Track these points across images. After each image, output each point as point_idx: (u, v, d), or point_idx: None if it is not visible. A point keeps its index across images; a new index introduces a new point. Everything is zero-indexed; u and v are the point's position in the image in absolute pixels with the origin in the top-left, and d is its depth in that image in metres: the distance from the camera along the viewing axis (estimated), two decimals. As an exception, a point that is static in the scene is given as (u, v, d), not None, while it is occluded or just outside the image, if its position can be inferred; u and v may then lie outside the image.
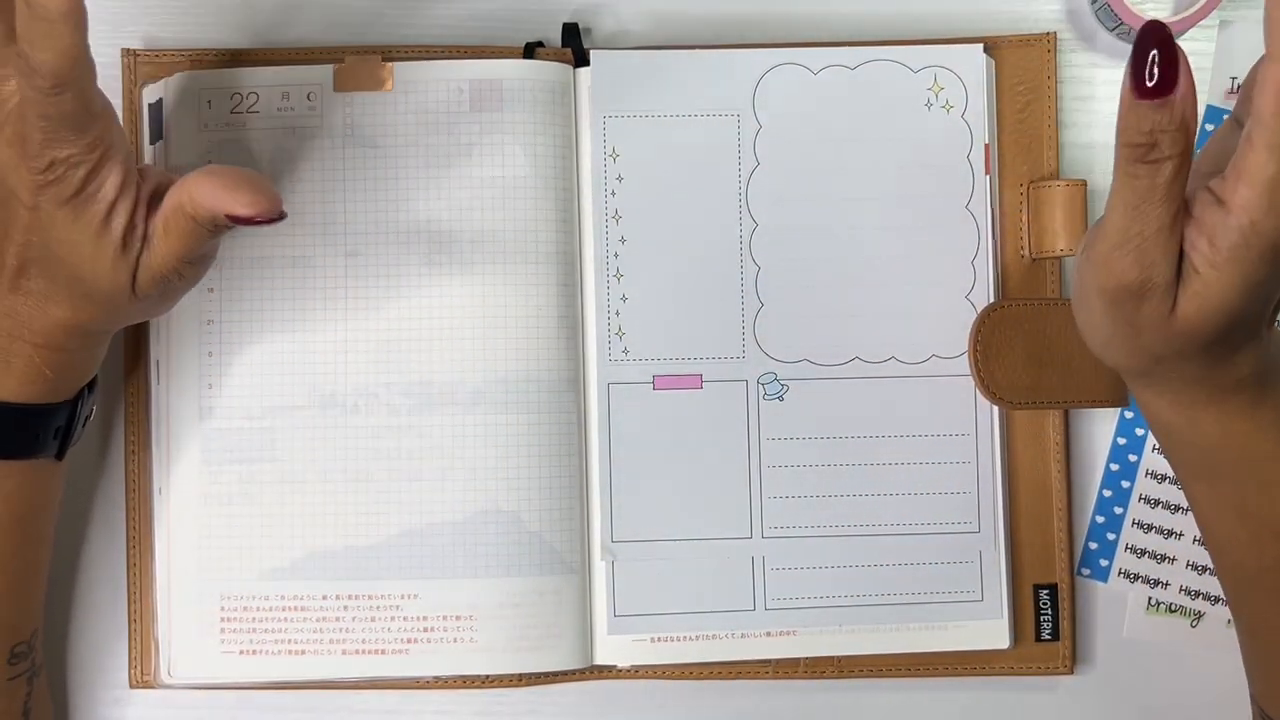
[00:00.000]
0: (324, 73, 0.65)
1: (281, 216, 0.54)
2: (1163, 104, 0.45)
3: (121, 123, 0.65)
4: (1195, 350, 0.50)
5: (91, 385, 0.60)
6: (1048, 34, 0.67)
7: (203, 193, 0.53)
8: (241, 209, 0.53)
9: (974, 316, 0.66)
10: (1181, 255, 0.48)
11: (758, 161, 0.66)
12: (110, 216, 0.53)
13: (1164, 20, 0.56)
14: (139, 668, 0.65)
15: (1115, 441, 0.67)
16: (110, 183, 0.53)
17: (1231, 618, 0.59)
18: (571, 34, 0.67)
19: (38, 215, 0.53)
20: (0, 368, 0.56)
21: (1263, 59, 0.45)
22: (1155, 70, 0.45)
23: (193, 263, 0.56)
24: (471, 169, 0.65)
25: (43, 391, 0.57)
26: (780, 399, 0.66)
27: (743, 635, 0.65)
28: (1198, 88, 0.46)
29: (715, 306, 0.66)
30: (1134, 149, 0.46)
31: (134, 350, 0.66)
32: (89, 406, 0.61)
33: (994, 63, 0.67)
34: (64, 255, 0.54)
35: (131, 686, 0.65)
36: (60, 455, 0.60)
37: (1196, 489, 0.57)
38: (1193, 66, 0.46)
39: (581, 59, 0.66)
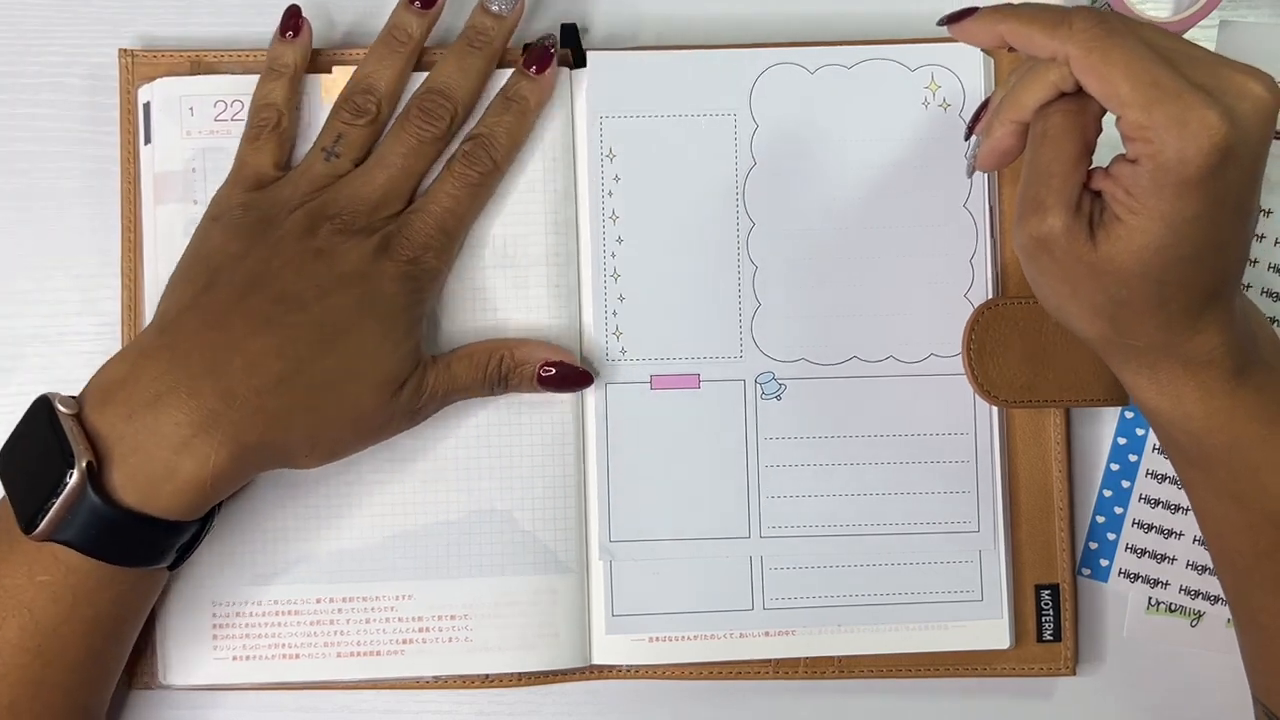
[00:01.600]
0: (311, 82, 0.65)
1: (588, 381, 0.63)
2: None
3: (118, 124, 0.66)
4: (1139, 299, 0.52)
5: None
6: (1046, 32, 0.67)
7: (526, 350, 0.62)
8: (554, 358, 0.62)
9: (972, 315, 0.66)
10: (1104, 209, 0.52)
11: (755, 161, 0.66)
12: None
13: (1164, 20, 0.58)
14: (138, 668, 0.65)
15: (1115, 441, 0.67)
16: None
17: (1230, 613, 0.59)
18: (570, 34, 0.67)
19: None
20: (165, 471, 0.55)
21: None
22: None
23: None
24: (465, 171, 0.65)
25: (189, 506, 0.56)
26: (778, 398, 0.66)
27: (741, 635, 0.65)
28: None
29: (713, 306, 0.66)
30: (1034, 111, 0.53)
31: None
32: (215, 519, 0.60)
33: (991, 61, 0.67)
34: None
35: (131, 687, 0.65)
36: (175, 565, 0.59)
37: (1191, 476, 0.57)
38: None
39: (579, 59, 0.66)
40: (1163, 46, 0.50)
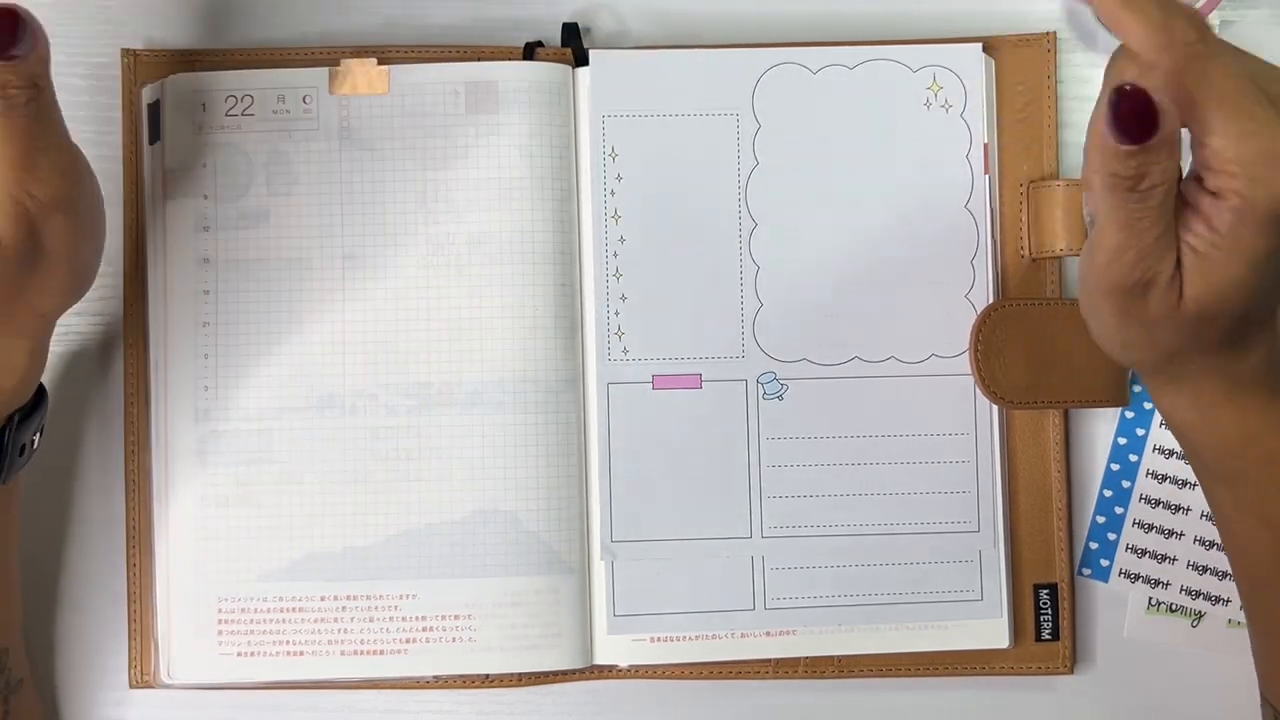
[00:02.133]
0: (319, 75, 0.65)
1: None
2: (1147, 148, 0.46)
3: (120, 124, 0.66)
4: (1211, 334, 0.50)
5: (30, 411, 0.58)
6: (1047, 34, 0.67)
7: None
8: None
9: (974, 316, 0.66)
10: (1179, 247, 0.48)
11: (757, 161, 0.66)
12: None
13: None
14: (139, 668, 0.65)
15: (1116, 441, 0.67)
16: None
17: (1244, 614, 0.59)
18: (571, 34, 0.67)
19: None
20: None
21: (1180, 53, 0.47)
22: (1144, 124, 0.46)
23: (31, 173, 0.52)
24: (468, 170, 0.65)
25: None
26: (780, 398, 0.66)
27: (742, 635, 0.65)
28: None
29: (714, 306, 0.66)
30: (1122, 180, 0.47)
31: (134, 352, 0.66)
32: (26, 434, 0.59)
33: (993, 62, 0.67)
34: None
35: (131, 686, 0.65)
36: (6, 478, 0.58)
37: (1218, 492, 0.57)
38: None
39: (582, 59, 0.66)
40: (1255, 72, 0.47)
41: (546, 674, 0.65)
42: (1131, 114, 0.46)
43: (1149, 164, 0.46)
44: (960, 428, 0.66)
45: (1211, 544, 0.66)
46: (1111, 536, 0.67)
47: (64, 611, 0.67)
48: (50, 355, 0.61)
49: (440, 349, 0.65)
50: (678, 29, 0.69)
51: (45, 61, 0.52)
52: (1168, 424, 0.56)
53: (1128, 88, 0.46)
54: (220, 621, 0.64)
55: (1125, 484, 0.67)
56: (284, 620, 0.64)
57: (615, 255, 0.66)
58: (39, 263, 0.54)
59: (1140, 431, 0.67)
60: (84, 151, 0.56)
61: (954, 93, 0.66)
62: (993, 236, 0.66)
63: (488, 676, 0.65)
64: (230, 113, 0.65)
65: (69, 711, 0.66)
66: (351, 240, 0.65)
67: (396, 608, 0.64)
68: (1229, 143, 0.46)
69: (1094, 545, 0.67)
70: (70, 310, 0.66)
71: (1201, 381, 0.53)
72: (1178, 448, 0.67)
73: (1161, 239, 0.48)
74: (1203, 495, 0.57)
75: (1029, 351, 0.65)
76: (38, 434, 0.60)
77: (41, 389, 0.60)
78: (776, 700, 0.67)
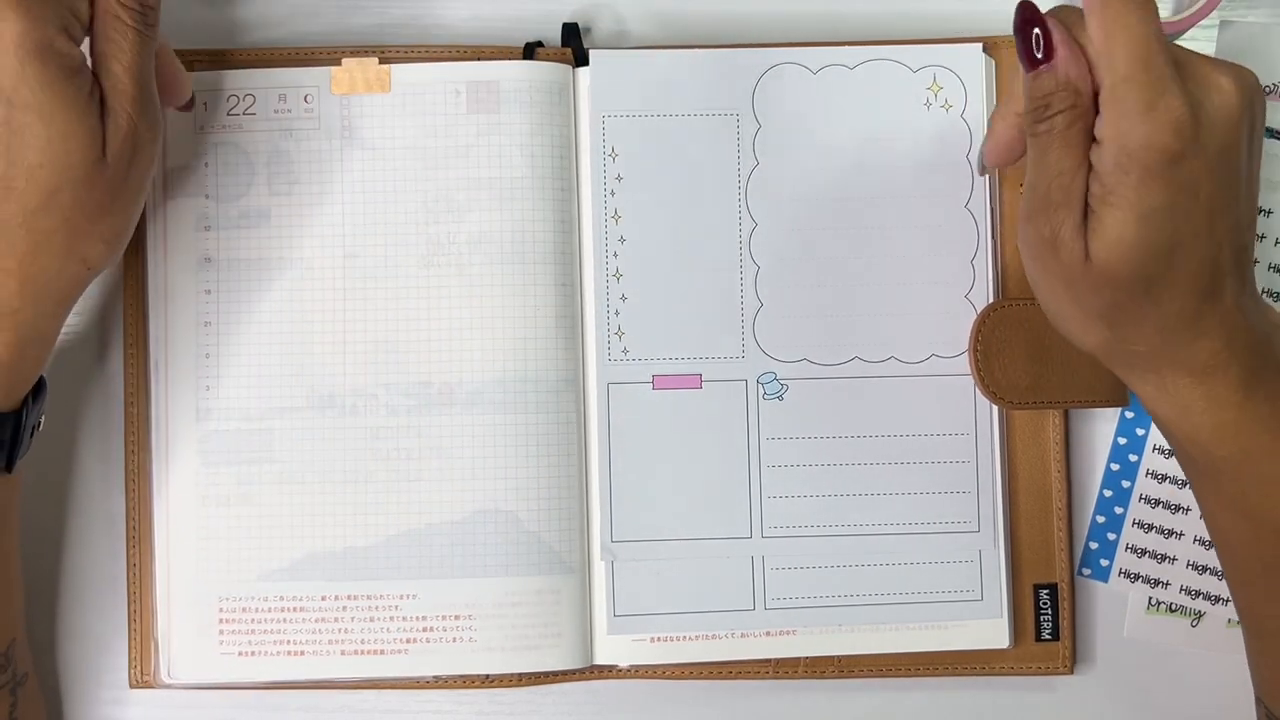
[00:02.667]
0: (321, 75, 0.65)
1: None
2: (1049, 69, 0.51)
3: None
4: (1133, 301, 0.52)
5: (36, 394, 0.59)
6: (1047, 33, 0.67)
7: None
8: None
9: (974, 316, 0.66)
10: (1086, 204, 0.52)
11: (757, 161, 0.66)
12: (78, 68, 0.53)
13: (1164, 20, 0.59)
14: (139, 668, 0.65)
15: (1116, 441, 0.67)
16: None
17: (1237, 616, 0.59)
18: (571, 34, 0.67)
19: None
20: None
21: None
22: (1039, 43, 0.51)
23: (142, 104, 0.55)
24: (469, 170, 0.65)
25: None
26: (780, 398, 0.66)
27: (743, 635, 0.65)
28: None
29: (715, 306, 0.66)
30: (1033, 113, 0.52)
31: (134, 351, 0.66)
32: (36, 416, 0.59)
33: (994, 62, 0.67)
34: (28, 134, 0.52)
35: (131, 686, 0.65)
36: (9, 468, 0.59)
37: (1200, 486, 0.57)
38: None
39: (582, 59, 0.66)
40: (1162, 44, 0.50)
41: (546, 674, 0.65)
42: (1029, 35, 0.52)
43: (1049, 93, 0.51)
44: (960, 428, 0.66)
45: (1211, 544, 0.66)
46: (1111, 536, 0.67)
47: (64, 611, 0.67)
48: (51, 355, 0.61)
49: (440, 349, 0.65)
50: (678, 29, 0.69)
51: None
52: (1152, 418, 0.57)
53: (1022, 3, 0.52)
54: (221, 621, 0.64)
55: (1125, 484, 0.67)
56: (285, 620, 0.64)
57: (615, 255, 0.66)
58: (118, 191, 0.55)
59: (1140, 431, 0.67)
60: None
61: (954, 93, 0.66)
62: (993, 236, 0.67)
63: (488, 677, 0.65)
64: (232, 112, 0.65)
65: (69, 711, 0.66)
66: (352, 240, 0.65)
67: (397, 608, 0.64)
68: (1119, 84, 0.49)
69: (1094, 545, 0.67)
70: (71, 312, 0.66)
71: (1165, 371, 0.54)
72: (1173, 451, 0.67)
73: (1064, 177, 0.51)
74: (1199, 494, 0.58)
75: (1029, 351, 0.65)
76: (42, 417, 0.61)
77: (40, 375, 0.60)
78: (776, 700, 0.67)
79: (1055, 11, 0.52)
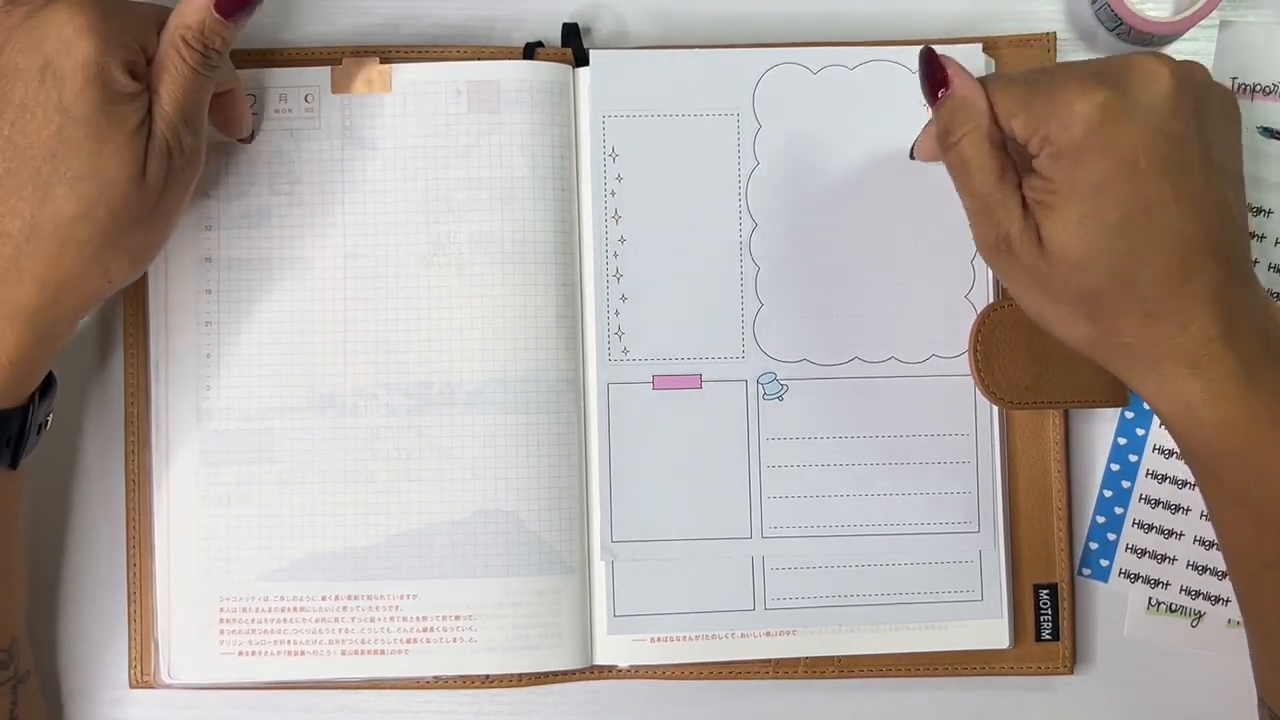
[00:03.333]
0: (321, 74, 0.65)
1: None
2: (945, 98, 0.56)
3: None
4: (1102, 287, 0.53)
5: (44, 392, 0.59)
6: (1047, 34, 0.67)
7: (189, 8, 0.56)
8: None
9: (974, 316, 0.66)
10: (1028, 208, 0.54)
11: (757, 161, 0.66)
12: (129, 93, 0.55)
13: (1164, 20, 0.59)
14: (139, 668, 0.65)
15: (1115, 441, 0.67)
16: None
17: (1238, 616, 0.59)
18: (571, 34, 0.67)
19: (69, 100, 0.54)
20: None
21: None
22: (937, 81, 0.56)
23: (185, 130, 0.56)
24: (470, 170, 0.65)
25: None
26: (780, 399, 0.66)
27: (742, 635, 0.65)
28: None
29: (715, 306, 0.66)
30: (941, 139, 0.56)
31: (134, 350, 0.66)
32: (43, 413, 0.60)
33: (994, 63, 0.67)
34: (77, 147, 0.54)
35: (131, 686, 0.65)
36: (14, 465, 0.59)
37: (1204, 482, 0.57)
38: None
39: (582, 59, 0.66)
40: (1047, 68, 0.55)
41: (546, 674, 0.65)
42: (930, 74, 0.56)
43: (950, 118, 0.55)
44: (960, 428, 0.66)
45: (1211, 544, 0.66)
46: (1111, 536, 0.67)
47: (64, 612, 0.67)
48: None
49: (441, 348, 0.65)
50: (678, 29, 0.69)
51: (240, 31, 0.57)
52: (1157, 416, 0.57)
53: (927, 53, 0.57)
54: (222, 621, 0.64)
55: (1125, 484, 0.67)
56: (285, 620, 0.64)
57: (615, 255, 0.66)
58: (151, 211, 0.56)
59: (1140, 431, 0.67)
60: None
61: (954, 93, 0.66)
62: (993, 237, 0.67)
63: (488, 677, 0.65)
64: (233, 111, 0.65)
65: (69, 711, 0.66)
66: (353, 239, 0.65)
67: (397, 608, 0.64)
68: (1022, 113, 0.53)
69: (1094, 545, 0.67)
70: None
71: (1161, 364, 0.54)
72: (1178, 448, 0.67)
73: (995, 189, 0.54)
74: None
75: (1029, 352, 0.65)
76: (49, 416, 0.61)
77: (49, 372, 0.60)
78: (776, 700, 0.67)
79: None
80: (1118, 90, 0.52)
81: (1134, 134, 0.51)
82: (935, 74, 0.56)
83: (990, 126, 0.54)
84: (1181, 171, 0.52)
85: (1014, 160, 0.55)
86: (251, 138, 0.65)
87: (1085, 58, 0.68)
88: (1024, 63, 0.67)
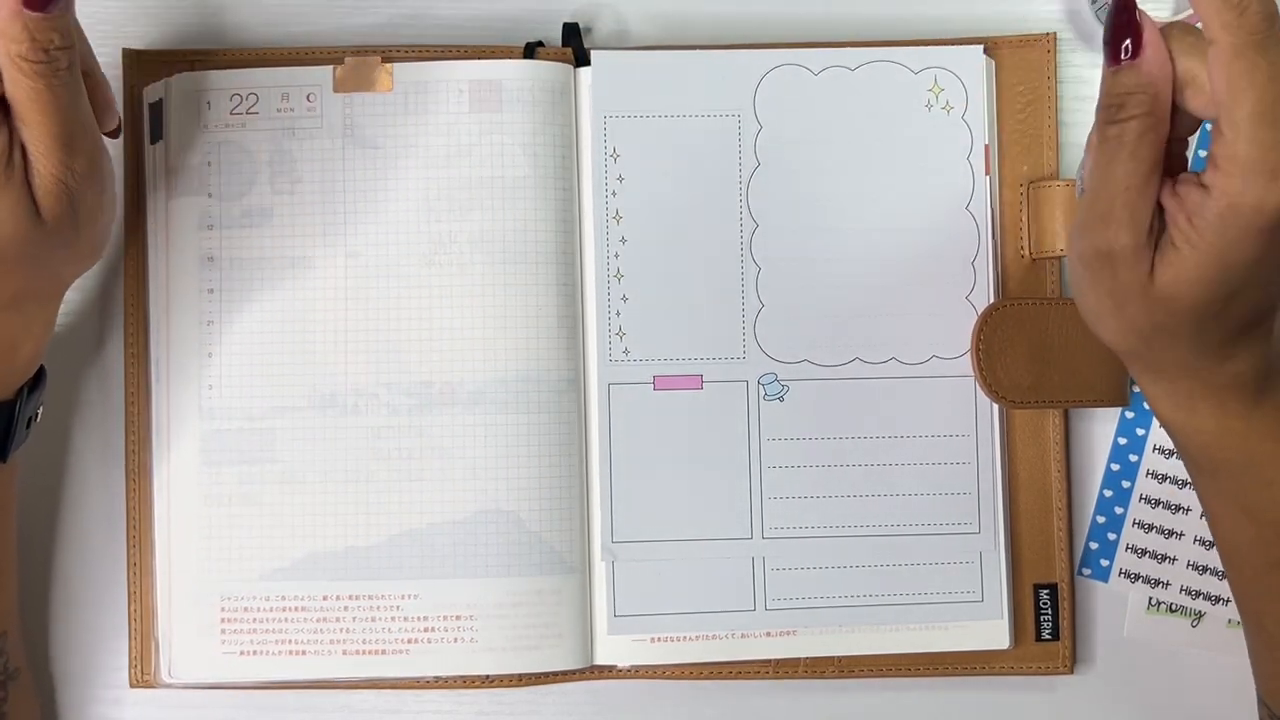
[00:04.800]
0: (323, 74, 0.65)
1: None
2: (1129, 66, 0.48)
3: (122, 123, 0.66)
4: (1180, 327, 0.50)
5: (34, 385, 0.59)
6: (1048, 34, 0.67)
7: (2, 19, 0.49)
8: None
9: (974, 317, 0.66)
10: (1164, 230, 0.49)
11: (758, 162, 0.66)
12: None
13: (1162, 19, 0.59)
14: (139, 667, 0.65)
15: (1116, 441, 0.67)
16: None
17: (1238, 616, 0.59)
18: (572, 34, 0.67)
19: None
20: None
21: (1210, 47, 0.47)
22: (1125, 38, 0.48)
23: (72, 150, 0.52)
24: (471, 169, 0.65)
25: None
26: (781, 399, 0.66)
27: (743, 635, 0.65)
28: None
29: (716, 307, 0.66)
30: (1106, 111, 0.49)
31: (135, 350, 0.66)
32: (32, 407, 0.59)
33: (994, 63, 0.67)
34: None
35: (131, 686, 0.65)
36: (3, 458, 0.59)
37: (1202, 485, 0.57)
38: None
39: (582, 59, 0.66)
40: None
41: (547, 674, 0.65)
42: (1120, 27, 0.48)
43: (1128, 90, 0.48)
44: (961, 429, 0.66)
45: (1211, 544, 0.66)
46: (1111, 536, 0.67)
47: (64, 610, 0.67)
48: (51, 353, 0.61)
49: (442, 348, 0.65)
50: (678, 30, 0.69)
51: (73, 16, 0.51)
52: (1154, 414, 0.57)
53: (1122, 2, 0.49)
54: (223, 620, 0.64)
55: (1125, 484, 0.67)
56: (286, 619, 0.64)
57: (616, 256, 0.66)
58: (72, 235, 0.54)
59: (1140, 431, 0.67)
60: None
61: (955, 94, 0.66)
62: (993, 237, 0.67)
63: (488, 677, 0.65)
64: (234, 111, 0.65)
65: (68, 711, 0.66)
66: (354, 239, 0.65)
67: (398, 608, 0.64)
68: (1240, 141, 0.46)
69: (1094, 545, 0.67)
70: (71, 309, 0.66)
71: (1180, 380, 0.53)
72: (1175, 447, 0.67)
73: (1131, 192, 0.49)
74: (1202, 495, 0.58)
75: (1030, 351, 0.65)
76: (39, 409, 0.61)
77: (40, 367, 0.60)
78: (776, 700, 0.67)
79: (1170, 25, 0.49)
80: None
81: None
82: (1127, 29, 0.48)
83: (1165, 122, 0.48)
84: None
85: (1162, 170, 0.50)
86: (117, 132, 0.61)
87: (1086, 58, 0.68)
88: (1024, 63, 0.67)
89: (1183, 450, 0.56)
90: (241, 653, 0.64)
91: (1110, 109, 0.49)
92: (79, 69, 0.52)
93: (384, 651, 0.64)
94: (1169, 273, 0.49)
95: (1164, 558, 0.67)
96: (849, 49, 0.67)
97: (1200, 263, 0.48)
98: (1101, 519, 0.67)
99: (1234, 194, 0.46)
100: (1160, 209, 0.49)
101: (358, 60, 0.65)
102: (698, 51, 0.67)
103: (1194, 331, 0.50)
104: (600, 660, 0.65)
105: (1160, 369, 0.53)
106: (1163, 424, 0.56)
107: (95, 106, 0.55)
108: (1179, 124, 0.50)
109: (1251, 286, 0.49)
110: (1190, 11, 0.65)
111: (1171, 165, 0.50)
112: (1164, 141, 0.49)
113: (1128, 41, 0.48)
